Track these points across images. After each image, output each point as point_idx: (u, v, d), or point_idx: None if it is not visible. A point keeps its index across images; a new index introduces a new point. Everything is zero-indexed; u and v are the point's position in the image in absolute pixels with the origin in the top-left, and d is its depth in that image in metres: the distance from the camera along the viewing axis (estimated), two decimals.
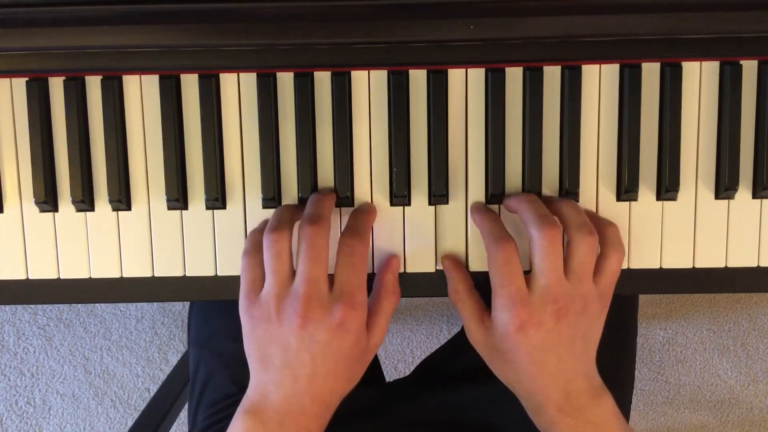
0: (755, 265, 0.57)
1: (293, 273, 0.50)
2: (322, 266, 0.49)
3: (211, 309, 0.80)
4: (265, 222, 0.55)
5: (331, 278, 0.50)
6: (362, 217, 0.54)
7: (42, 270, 0.57)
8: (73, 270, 0.57)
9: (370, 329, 0.52)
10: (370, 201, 0.56)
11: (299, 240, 0.50)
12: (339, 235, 0.53)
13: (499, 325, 0.51)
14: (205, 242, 0.56)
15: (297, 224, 0.53)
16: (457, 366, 0.78)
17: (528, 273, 0.51)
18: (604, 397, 0.52)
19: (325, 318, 0.49)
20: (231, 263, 0.56)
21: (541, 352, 0.50)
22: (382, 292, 0.54)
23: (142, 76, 0.55)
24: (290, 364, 0.50)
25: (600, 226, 0.53)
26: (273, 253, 0.50)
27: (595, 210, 0.56)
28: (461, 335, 0.84)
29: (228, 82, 0.55)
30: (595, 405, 0.52)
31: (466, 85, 0.55)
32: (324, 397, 0.51)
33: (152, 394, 1.14)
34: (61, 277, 0.57)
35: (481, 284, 0.55)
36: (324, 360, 0.49)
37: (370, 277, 0.56)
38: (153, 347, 1.43)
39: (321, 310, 0.49)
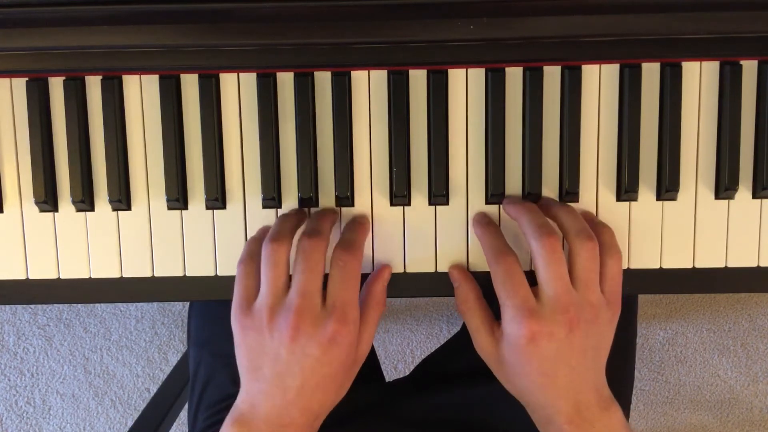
0: (755, 265, 0.57)
1: (289, 285, 0.50)
2: (317, 280, 0.49)
3: (211, 309, 0.80)
4: (263, 230, 0.55)
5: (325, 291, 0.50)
6: (357, 230, 0.54)
7: (42, 270, 0.57)
8: (73, 270, 0.57)
9: (358, 340, 0.51)
10: (369, 201, 0.56)
11: (296, 253, 0.50)
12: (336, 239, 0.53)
13: (510, 337, 0.50)
14: (205, 242, 0.56)
15: (297, 237, 0.53)
16: (456, 366, 0.78)
17: (534, 286, 0.51)
18: (614, 409, 0.52)
19: (317, 332, 0.48)
20: (231, 263, 0.56)
21: (553, 364, 0.50)
22: (371, 303, 0.54)
23: (142, 76, 0.55)
24: (280, 376, 0.49)
25: (595, 231, 0.52)
26: (271, 264, 0.50)
27: (594, 210, 0.56)
28: (461, 335, 0.84)
29: (228, 82, 0.55)
30: (605, 417, 0.51)
31: (466, 85, 0.55)
32: (313, 409, 0.51)
33: (152, 394, 1.13)
34: (61, 277, 0.57)
35: (485, 286, 0.55)
36: (314, 373, 0.49)
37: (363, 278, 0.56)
38: (153, 347, 1.43)
39: (313, 324, 0.48)
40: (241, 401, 0.52)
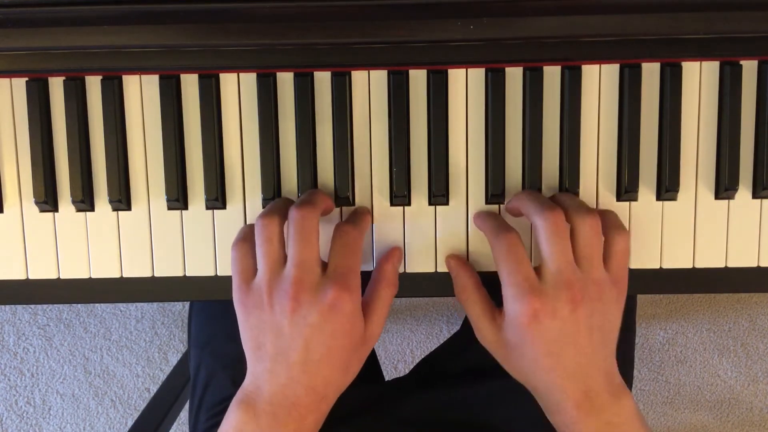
0: (755, 265, 0.57)
1: (285, 259, 0.50)
2: (311, 249, 0.49)
3: (212, 310, 0.80)
4: None
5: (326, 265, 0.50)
6: (358, 212, 0.54)
7: (42, 270, 0.57)
8: (73, 270, 0.57)
9: (368, 318, 0.51)
10: (370, 201, 0.56)
11: (289, 225, 0.50)
12: None
13: (512, 317, 0.49)
14: (205, 242, 0.56)
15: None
16: (456, 365, 0.78)
17: (537, 266, 0.51)
18: (626, 397, 0.50)
19: (317, 300, 0.48)
20: None
21: (557, 343, 0.49)
22: (381, 281, 0.53)
23: (142, 76, 0.55)
24: (283, 351, 0.49)
25: (599, 215, 0.52)
26: (264, 239, 0.49)
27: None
28: (460, 334, 0.84)
29: (228, 82, 0.55)
30: (617, 404, 0.50)
31: (466, 85, 0.55)
32: (318, 387, 0.50)
33: (152, 394, 1.14)
34: (61, 277, 0.57)
35: (486, 286, 0.55)
36: (317, 345, 0.49)
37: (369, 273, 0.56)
38: (153, 347, 1.43)
39: (312, 292, 0.48)
40: (247, 383, 0.51)
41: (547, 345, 0.49)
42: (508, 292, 0.49)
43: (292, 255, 0.49)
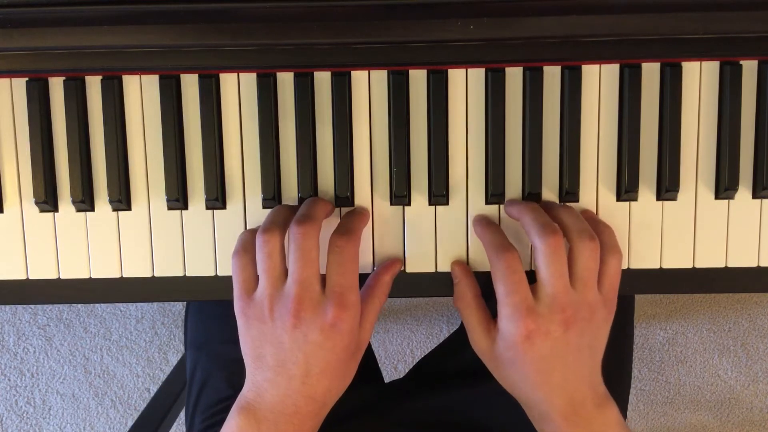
0: (755, 265, 0.57)
1: (286, 273, 0.50)
2: (312, 267, 0.49)
3: (208, 311, 0.79)
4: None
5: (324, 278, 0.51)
6: (353, 217, 0.54)
7: (42, 270, 0.57)
8: (73, 270, 0.57)
9: (361, 326, 0.52)
10: (370, 201, 0.56)
11: (289, 241, 0.50)
12: None
13: (506, 335, 0.51)
14: (205, 242, 0.56)
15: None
16: (453, 366, 0.78)
17: (533, 284, 0.51)
18: (609, 406, 0.52)
19: (317, 318, 0.49)
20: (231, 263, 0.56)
21: (548, 362, 0.50)
22: (376, 291, 0.54)
23: (142, 76, 0.55)
24: (284, 364, 0.50)
25: (596, 230, 0.53)
26: (264, 254, 0.50)
27: (595, 210, 0.56)
28: (457, 335, 0.84)
29: (228, 82, 0.55)
30: (600, 414, 0.52)
31: (466, 85, 0.55)
32: (318, 396, 0.51)
33: (152, 394, 1.14)
34: (61, 277, 0.57)
35: (483, 286, 0.55)
36: (317, 360, 0.50)
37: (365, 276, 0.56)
38: (153, 347, 1.43)
39: (313, 311, 0.49)
40: (247, 390, 0.52)
41: (537, 363, 0.50)
42: (505, 310, 0.50)
43: (292, 272, 0.49)
